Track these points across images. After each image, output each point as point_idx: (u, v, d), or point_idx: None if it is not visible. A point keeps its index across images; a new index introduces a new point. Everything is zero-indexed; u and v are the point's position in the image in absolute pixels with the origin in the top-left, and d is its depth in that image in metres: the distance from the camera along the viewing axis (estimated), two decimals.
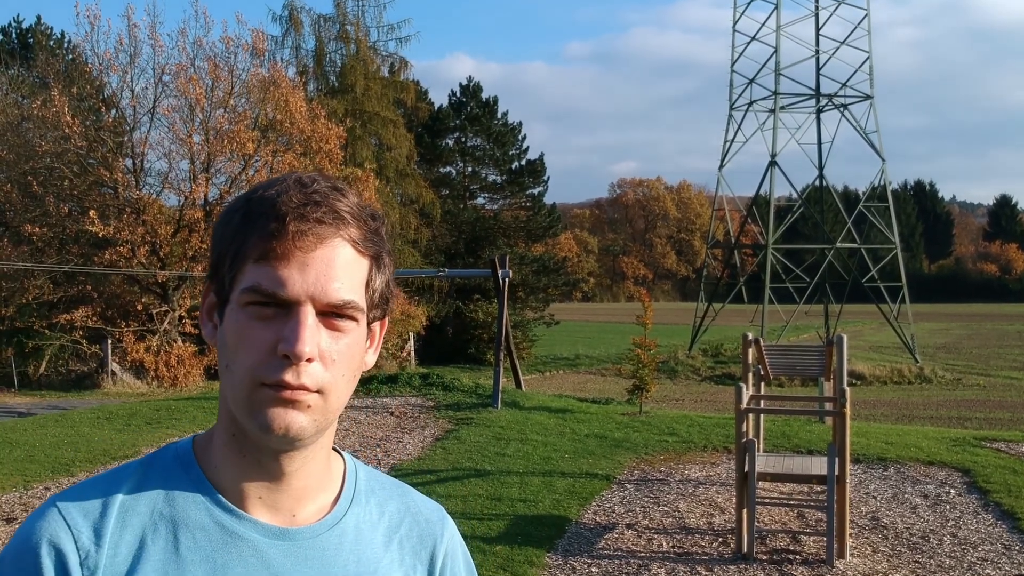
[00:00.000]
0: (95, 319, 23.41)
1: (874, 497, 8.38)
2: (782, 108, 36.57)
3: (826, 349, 9.67)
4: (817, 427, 11.46)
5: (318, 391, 0.97)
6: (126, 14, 24.09)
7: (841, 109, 37.06)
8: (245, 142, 23.47)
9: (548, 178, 42.96)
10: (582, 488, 8.65)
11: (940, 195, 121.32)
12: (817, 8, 37.61)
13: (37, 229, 22.73)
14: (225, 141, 23.60)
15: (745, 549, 6.63)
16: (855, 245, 38.32)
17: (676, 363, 32.91)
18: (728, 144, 38.58)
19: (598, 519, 7.64)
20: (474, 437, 11.15)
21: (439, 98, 67.99)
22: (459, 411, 13.07)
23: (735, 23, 37.97)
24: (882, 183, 38.11)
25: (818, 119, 37.91)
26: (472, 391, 14.85)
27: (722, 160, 39.05)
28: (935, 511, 7.87)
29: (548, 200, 44.74)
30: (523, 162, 42.52)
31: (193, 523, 1.00)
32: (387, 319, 1.10)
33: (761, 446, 8.88)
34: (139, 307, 23.89)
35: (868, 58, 36.32)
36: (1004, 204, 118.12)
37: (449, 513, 1.21)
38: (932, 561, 6.58)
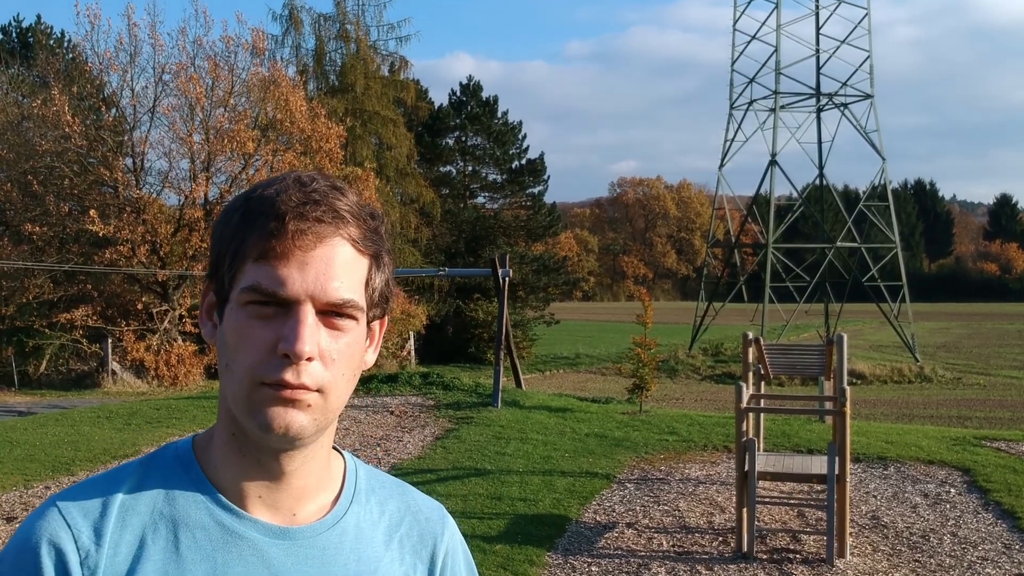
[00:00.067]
0: (95, 318, 23.41)
1: (874, 496, 8.38)
2: (782, 107, 36.57)
3: (826, 348, 9.67)
4: (817, 426, 11.46)
5: (318, 390, 0.97)
6: (126, 13, 24.12)
7: (841, 108, 37.05)
8: (245, 141, 23.47)
9: (548, 177, 43.00)
10: (582, 487, 8.65)
11: (940, 194, 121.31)
12: (817, 7, 37.61)
13: (37, 228, 22.73)
14: (225, 140, 23.61)
15: (745, 548, 6.63)
16: (855, 244, 38.33)
17: (676, 362, 32.91)
18: (728, 143, 38.60)
19: (598, 518, 7.64)
20: (474, 436, 11.15)
21: (439, 97, 68.06)
22: (459, 410, 13.07)
23: (735, 22, 37.98)
24: (882, 182, 38.12)
25: (818, 118, 37.91)
26: (472, 390, 14.85)
27: (722, 159, 39.07)
28: (935, 510, 7.87)
29: (548, 199, 44.78)
30: (523, 161, 42.51)
31: (193, 522, 1.00)
32: (387, 318, 1.10)
33: (761, 445, 8.88)
34: (139, 306, 23.90)
35: (868, 57, 36.32)
36: (1004, 203, 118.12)
37: (449, 512, 1.21)
38: (932, 560, 6.58)
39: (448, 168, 42.75)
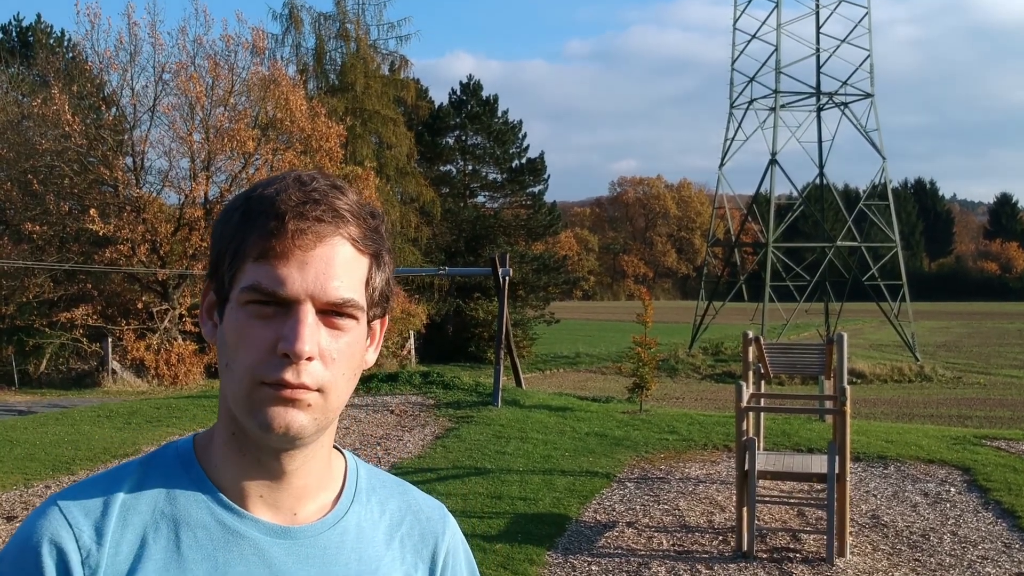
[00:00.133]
0: (95, 317, 23.40)
1: (874, 495, 8.38)
2: (782, 106, 36.55)
3: (826, 347, 9.67)
4: (817, 425, 11.46)
5: (318, 390, 0.97)
6: (126, 12, 24.10)
7: (841, 107, 37.04)
8: (245, 140, 23.46)
9: (548, 176, 42.97)
10: (582, 486, 8.65)
11: (940, 193, 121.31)
12: (818, 6, 37.59)
13: (37, 227, 22.73)
14: (225, 139, 23.60)
15: (745, 547, 6.63)
16: (855, 243, 38.32)
17: (676, 361, 32.90)
18: (728, 142, 38.58)
19: (598, 517, 7.64)
20: (474, 435, 11.15)
21: (439, 96, 68.13)
22: (459, 409, 13.07)
23: (735, 21, 37.96)
24: (882, 181, 38.11)
25: (818, 117, 37.90)
26: (472, 389, 14.85)
27: (722, 158, 39.05)
28: (935, 509, 7.87)
29: (548, 198, 44.75)
30: (523, 160, 42.50)
31: (194, 522, 1.00)
32: (387, 317, 1.10)
33: (761, 444, 8.88)
34: (139, 305, 23.89)
35: (868, 56, 36.30)
36: (1004, 202, 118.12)
37: (449, 511, 1.21)
38: (932, 559, 6.58)
39: (448, 167, 42.74)
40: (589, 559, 6.55)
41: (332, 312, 0.98)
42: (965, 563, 6.49)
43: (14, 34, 39.12)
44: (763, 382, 9.64)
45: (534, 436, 11.08)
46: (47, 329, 23.36)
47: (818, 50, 37.06)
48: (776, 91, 36.12)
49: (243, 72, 25.06)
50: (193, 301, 24.54)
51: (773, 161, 36.28)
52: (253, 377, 0.96)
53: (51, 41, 36.56)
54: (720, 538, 7.08)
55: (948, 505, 8.00)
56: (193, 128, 23.90)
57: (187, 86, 23.56)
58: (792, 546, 6.90)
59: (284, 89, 24.58)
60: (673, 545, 6.91)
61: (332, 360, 0.98)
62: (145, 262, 23.47)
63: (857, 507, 7.85)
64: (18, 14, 50.04)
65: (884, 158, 37.01)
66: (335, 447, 1.12)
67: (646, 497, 8.30)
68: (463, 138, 41.93)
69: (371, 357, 1.07)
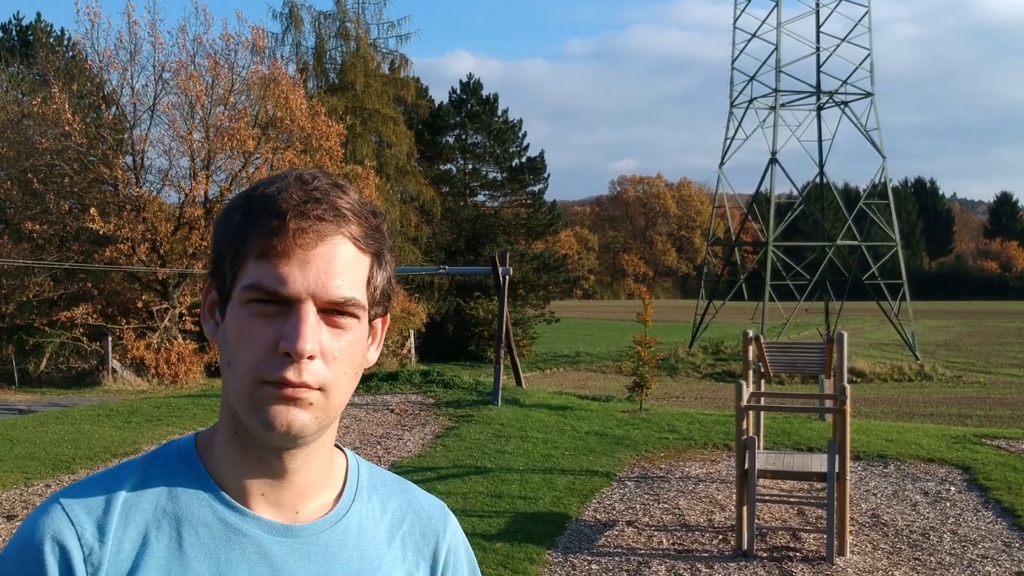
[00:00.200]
0: (95, 316, 23.39)
1: (874, 494, 8.38)
2: (782, 105, 36.54)
3: (826, 346, 9.67)
4: (817, 424, 11.47)
5: (320, 388, 0.98)
6: (126, 11, 24.06)
7: (842, 106, 37.04)
8: (245, 139, 23.45)
9: (548, 175, 42.93)
10: (582, 485, 8.66)
11: (941, 192, 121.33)
12: (818, 5, 37.58)
13: (37, 226, 22.71)
14: (225, 138, 23.58)
15: (745, 546, 6.63)
16: (855, 242, 38.32)
17: (676, 360, 32.90)
18: (728, 141, 38.57)
19: (598, 516, 7.65)
20: (474, 434, 11.15)
21: (439, 95, 67.98)
22: (459, 408, 13.08)
23: (735, 20, 37.95)
24: (883, 180, 38.10)
25: (819, 116, 37.90)
26: (472, 388, 14.85)
27: (722, 157, 39.04)
28: (935, 508, 7.88)
29: (548, 197, 44.71)
30: (523, 159, 42.47)
31: (196, 520, 1.00)
32: (388, 316, 1.10)
33: (761, 443, 8.89)
34: (139, 304, 23.89)
35: (869, 55, 36.29)
36: (1005, 201, 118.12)
37: (450, 510, 1.21)
38: (932, 558, 6.58)
39: (448, 166, 42.72)
40: (589, 558, 6.56)
41: (333, 311, 0.98)
42: (965, 562, 6.49)
43: (14, 33, 39.11)
44: (763, 381, 9.64)
45: (534, 435, 11.08)
46: (47, 328, 23.36)
47: (818, 49, 37.05)
48: (776, 90, 36.12)
49: (243, 71, 25.06)
50: (193, 300, 24.53)
51: (773, 160, 36.27)
52: (255, 376, 0.96)
53: (51, 40, 36.54)
54: (720, 537, 7.09)
55: (948, 504, 8.01)
56: (193, 127, 23.88)
57: (187, 85, 23.55)
58: (792, 545, 6.90)
59: (284, 88, 24.56)
60: (673, 544, 6.91)
61: (334, 359, 0.98)
62: (145, 261, 23.46)
63: (857, 506, 7.86)
64: (18, 13, 50.06)
65: (884, 157, 37.01)
66: (336, 445, 1.12)
67: (646, 496, 8.31)
68: (463, 137, 41.91)
69: (372, 356, 1.08)
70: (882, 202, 38.52)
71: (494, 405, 13.23)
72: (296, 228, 0.97)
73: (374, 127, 33.82)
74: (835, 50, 36.69)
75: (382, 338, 1.10)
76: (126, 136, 24.55)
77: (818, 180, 39.98)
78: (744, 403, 7.12)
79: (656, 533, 7.17)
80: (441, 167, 42.19)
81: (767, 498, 7.51)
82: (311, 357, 0.96)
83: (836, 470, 6.68)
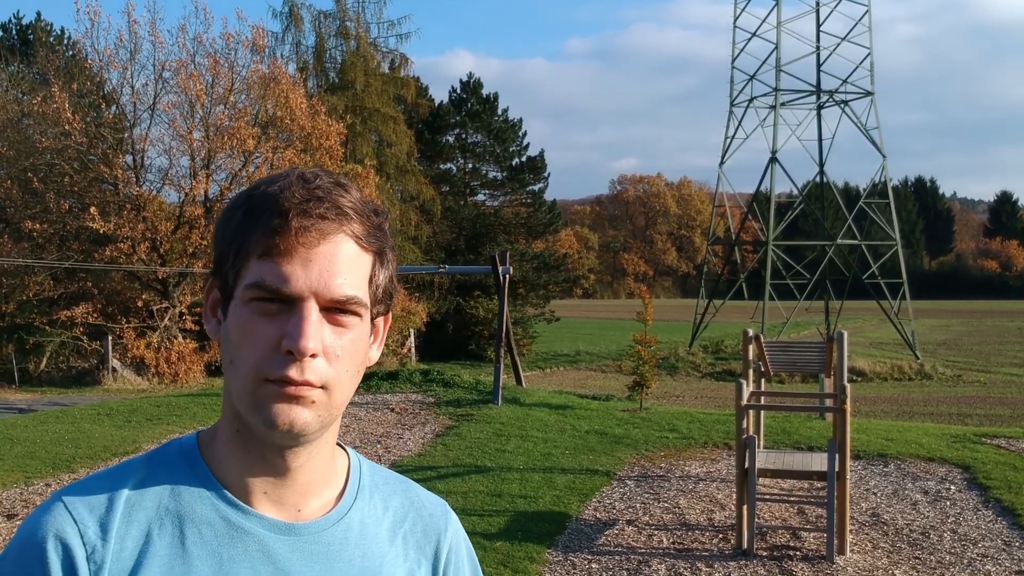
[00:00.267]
0: (96, 315, 23.38)
1: (874, 493, 8.38)
2: (783, 104, 36.53)
3: (826, 345, 9.68)
4: (817, 423, 11.47)
5: (322, 387, 0.98)
6: (126, 10, 24.03)
7: (842, 105, 37.01)
8: (245, 138, 23.43)
9: (548, 175, 42.92)
10: (582, 484, 8.66)
11: (941, 191, 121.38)
12: (818, 4, 37.57)
13: (37, 225, 22.70)
14: (225, 137, 23.57)
15: (745, 545, 6.64)
16: (856, 241, 38.30)
17: (676, 359, 32.90)
18: (729, 140, 38.55)
19: (598, 515, 7.65)
20: (474, 433, 11.16)
21: (439, 94, 68.04)
22: (459, 407, 13.08)
23: (736, 19, 37.93)
24: (883, 179, 38.09)
25: (819, 115, 37.89)
26: (472, 387, 14.86)
27: (723, 156, 39.02)
28: (935, 507, 7.88)
29: (549, 196, 44.71)
30: (523, 159, 42.46)
31: (199, 518, 1.00)
32: (390, 315, 1.10)
33: (761, 442, 8.89)
34: (139, 303, 23.87)
35: (869, 54, 36.27)
36: (1005, 201, 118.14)
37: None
38: (932, 557, 6.58)
39: (448, 165, 42.71)
40: (589, 557, 6.56)
41: (336, 309, 0.99)
42: (965, 561, 6.50)
43: (14, 32, 39.10)
44: (763, 380, 9.65)
45: (534, 434, 11.09)
46: (47, 327, 23.35)
47: (818, 48, 37.04)
48: (776, 89, 36.10)
49: (243, 70, 25.04)
50: (193, 299, 24.52)
51: (773, 159, 36.26)
52: (257, 374, 0.96)
53: (51, 39, 36.52)
54: (720, 536, 7.09)
55: (948, 503, 8.01)
56: (193, 126, 23.87)
57: (187, 84, 23.54)
58: (792, 544, 6.91)
59: (284, 87, 24.55)
60: (673, 543, 6.92)
61: (336, 357, 0.99)
62: (145, 260, 23.45)
63: (857, 505, 7.86)
64: (18, 12, 50.09)
65: (884, 156, 37.00)
66: (338, 444, 1.12)
67: (646, 495, 8.31)
68: (463, 136, 41.90)
69: (374, 354, 1.08)
70: (882, 201, 38.51)
71: (494, 404, 13.24)
72: (299, 226, 0.97)
73: (374, 126, 33.82)
74: (835, 49, 36.68)
75: (384, 336, 1.10)
76: (126, 135, 24.54)
77: (818, 179, 39.98)
78: (744, 402, 7.12)
79: (656, 532, 7.18)
80: (441, 166, 42.19)
81: (767, 497, 7.51)
82: (313, 355, 0.96)
83: (836, 469, 6.68)
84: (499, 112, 41.73)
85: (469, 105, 41.34)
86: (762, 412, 9.49)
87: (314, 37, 35.07)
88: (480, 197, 43.39)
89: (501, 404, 13.24)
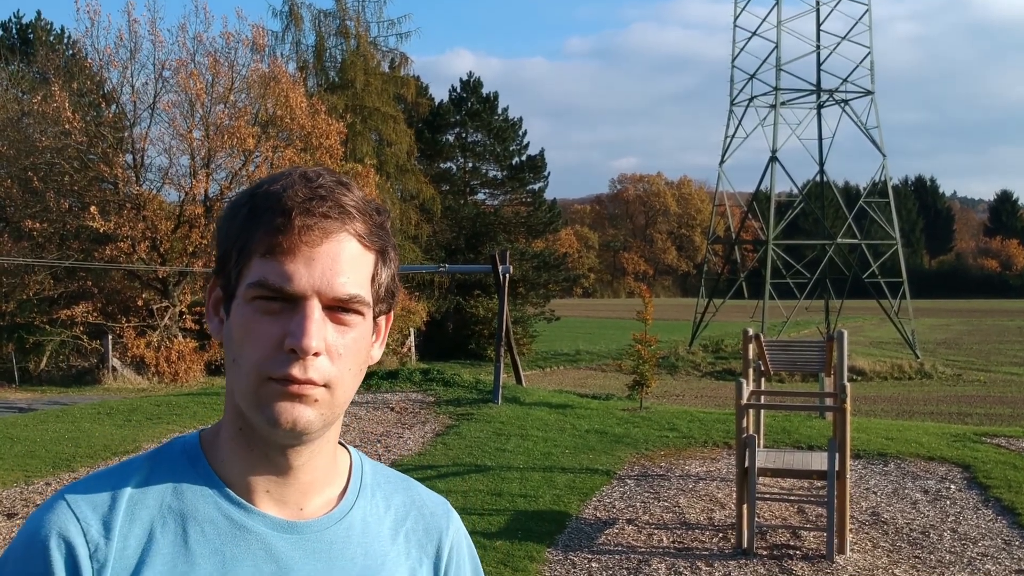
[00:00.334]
0: (96, 315, 23.38)
1: (874, 493, 8.38)
2: (783, 104, 36.52)
3: (826, 345, 9.68)
4: (817, 423, 11.47)
5: (325, 385, 0.98)
6: (126, 10, 24.04)
7: (842, 105, 37.01)
8: (245, 138, 23.44)
9: (548, 174, 42.93)
10: (582, 483, 8.66)
11: (941, 191, 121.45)
12: (818, 3, 37.56)
13: (37, 225, 22.70)
14: (225, 137, 23.57)
15: (745, 544, 6.64)
16: (856, 241, 38.30)
17: (676, 359, 32.91)
18: (729, 140, 38.55)
19: (598, 514, 7.65)
20: (474, 433, 11.16)
21: (439, 94, 68.05)
22: (459, 407, 13.08)
23: (736, 18, 37.92)
24: (883, 179, 38.09)
25: (819, 115, 37.89)
26: (472, 387, 14.86)
27: (723, 156, 39.01)
28: (935, 507, 7.88)
29: (548, 196, 44.71)
30: (523, 158, 42.46)
31: (202, 516, 1.00)
32: (392, 313, 1.11)
33: (761, 442, 8.89)
34: (139, 303, 23.88)
35: (869, 54, 36.26)
36: (1005, 200, 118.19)
37: None
38: (932, 556, 6.59)
39: (448, 164, 42.71)
40: (589, 556, 6.56)
41: (338, 308, 0.99)
42: (965, 560, 6.50)
43: (14, 31, 39.10)
44: (763, 379, 9.65)
45: (534, 433, 11.09)
46: (47, 326, 23.35)
47: (818, 47, 37.03)
48: (776, 88, 36.09)
49: (243, 69, 25.04)
50: (193, 298, 24.53)
51: (773, 158, 36.26)
52: (260, 373, 0.97)
53: (51, 38, 36.51)
54: (720, 535, 7.09)
55: (948, 502, 8.01)
56: (193, 125, 23.87)
57: (187, 83, 23.54)
58: (792, 543, 6.91)
59: (284, 86, 24.55)
60: (673, 542, 6.92)
61: (339, 356, 0.99)
62: (145, 259, 23.45)
63: (857, 504, 7.86)
64: (18, 11, 50.07)
65: (884, 155, 37.00)
66: (340, 443, 1.12)
67: (646, 494, 8.31)
68: (463, 135, 41.90)
69: (376, 353, 1.08)
70: (882, 200, 38.51)
71: (494, 403, 13.24)
72: (301, 225, 0.97)
73: (374, 125, 33.82)
74: (835, 48, 36.67)
75: (386, 335, 1.10)
76: (126, 134, 24.54)
77: (818, 178, 39.98)
78: (744, 401, 7.12)
79: (656, 531, 7.18)
80: (441, 165, 42.19)
81: (767, 496, 7.52)
82: (316, 354, 0.96)
83: (836, 468, 6.68)
84: (499, 111, 41.73)
85: (469, 104, 41.34)
86: (762, 411, 9.49)
87: (314, 36, 35.10)
88: (480, 196, 43.40)
89: (501, 403, 13.24)
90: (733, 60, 37.91)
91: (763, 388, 9.60)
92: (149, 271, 23.73)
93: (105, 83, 25.02)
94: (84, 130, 22.65)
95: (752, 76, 36.92)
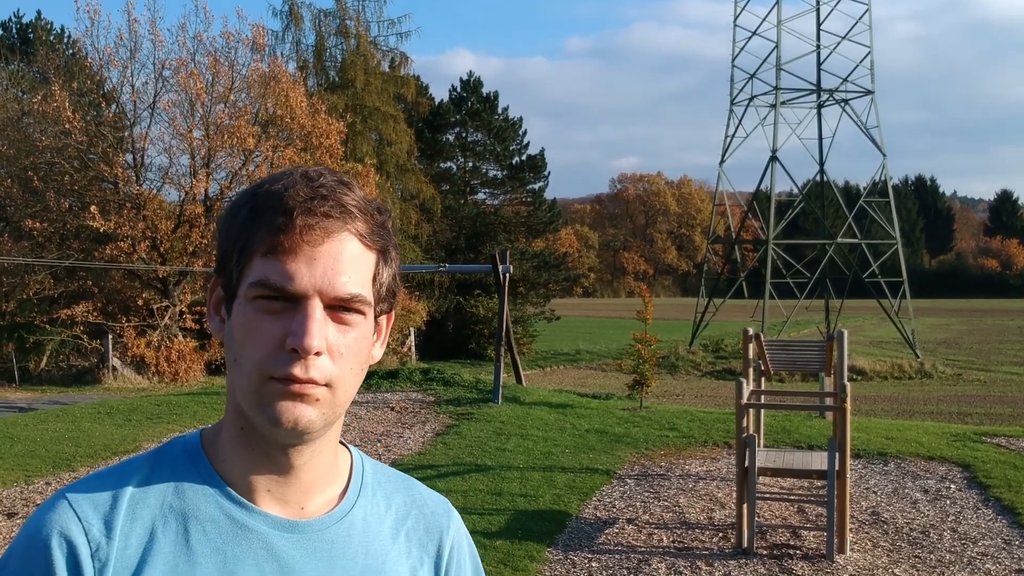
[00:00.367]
0: (96, 314, 23.38)
1: (874, 492, 8.39)
2: (783, 103, 36.51)
3: (827, 344, 9.68)
4: (817, 422, 11.48)
5: (326, 384, 0.98)
6: (126, 9, 24.03)
7: (842, 104, 36.99)
8: (245, 137, 23.44)
9: (549, 173, 42.93)
10: (582, 483, 8.66)
11: (941, 190, 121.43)
12: (818, 3, 37.54)
13: (38, 224, 22.70)
14: (225, 136, 23.57)
15: (745, 544, 6.64)
16: (856, 240, 38.30)
17: (676, 358, 32.90)
18: (729, 139, 38.53)
19: (598, 514, 7.65)
20: (475, 432, 11.16)
21: (439, 93, 68.00)
22: (460, 406, 13.08)
23: (736, 18, 37.91)
24: (883, 178, 38.08)
25: (819, 114, 37.87)
26: (472, 386, 14.86)
27: (723, 155, 39.00)
28: (935, 506, 7.88)
29: (549, 195, 44.71)
30: (524, 157, 42.46)
31: (203, 515, 1.00)
32: (393, 313, 1.11)
33: (761, 441, 8.89)
34: (140, 302, 23.88)
35: (869, 53, 36.25)
36: (1005, 199, 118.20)
37: None
38: (932, 556, 6.59)
39: (448, 164, 42.71)
40: (589, 555, 6.56)
41: (340, 307, 0.99)
42: (965, 559, 6.50)
43: (14, 31, 39.10)
44: (763, 379, 9.65)
45: (534, 433, 11.09)
46: (47, 326, 23.35)
47: (818, 47, 37.02)
48: (777, 88, 36.08)
49: (243, 69, 25.04)
50: (193, 298, 24.53)
51: (773, 158, 36.25)
52: (262, 372, 0.97)
53: (51, 38, 36.51)
54: (720, 535, 7.09)
55: (948, 502, 8.01)
56: (193, 125, 23.87)
57: (187, 83, 23.54)
58: (792, 543, 6.91)
59: (284, 86, 24.55)
60: (673, 542, 6.92)
61: (340, 355, 0.99)
62: (145, 259, 23.45)
63: (857, 504, 7.86)
64: (18, 11, 50.06)
65: (884, 155, 36.99)
66: (341, 442, 1.12)
67: (646, 494, 8.31)
68: (463, 135, 41.90)
69: (378, 352, 1.08)
70: (882, 200, 38.50)
71: (494, 403, 13.24)
72: (303, 225, 0.97)
73: (374, 125, 33.83)
74: (835, 48, 36.65)
75: (387, 334, 1.10)
76: (126, 134, 24.54)
77: (818, 178, 39.97)
78: (744, 401, 7.13)
79: (656, 531, 7.18)
80: (441, 165, 42.20)
81: (767, 496, 7.52)
82: (318, 353, 0.97)
83: (836, 468, 6.68)
84: (499, 111, 41.74)
85: (469, 104, 41.34)
86: (762, 411, 9.49)
87: (314, 36, 35.11)
88: (480, 196, 43.41)
89: (501, 403, 13.24)
90: (733, 60, 37.91)
91: (763, 388, 9.60)
92: (149, 271, 23.73)
93: (105, 83, 25.02)
94: (84, 130, 22.65)
95: (752, 76, 36.91)
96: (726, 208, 40.35)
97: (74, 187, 23.74)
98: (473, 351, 34.28)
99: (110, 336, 22.93)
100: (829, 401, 8.77)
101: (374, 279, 1.03)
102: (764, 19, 36.66)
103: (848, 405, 6.96)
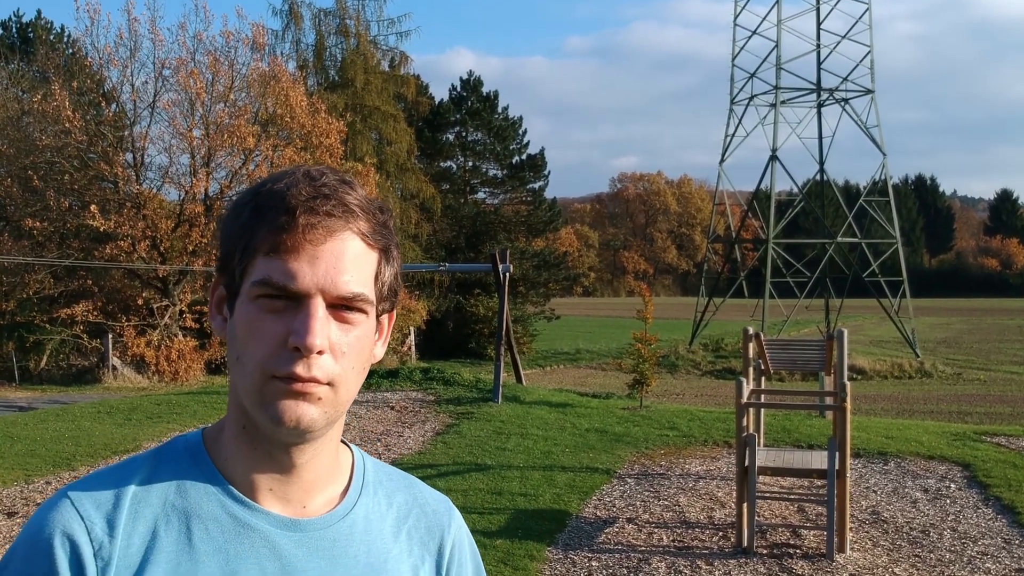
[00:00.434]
0: (96, 314, 23.38)
1: (874, 491, 8.39)
2: (783, 102, 36.50)
3: (827, 343, 9.69)
4: (818, 421, 11.48)
5: (328, 383, 0.98)
6: (126, 8, 24.03)
7: (842, 103, 36.99)
8: (245, 136, 23.43)
9: (549, 172, 42.92)
10: (582, 482, 8.67)
11: (941, 190, 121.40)
12: (818, 2, 37.53)
13: (37, 223, 22.70)
14: (225, 135, 23.57)
15: (745, 543, 6.64)
16: (856, 239, 38.29)
17: (676, 357, 32.90)
18: (729, 139, 38.52)
19: (598, 513, 7.66)
20: (475, 431, 11.16)
21: (439, 93, 67.92)
22: (460, 405, 13.09)
23: (736, 17, 37.90)
24: (883, 177, 38.07)
25: (819, 113, 37.88)
26: (473, 385, 14.86)
27: (723, 155, 39.00)
28: (935, 505, 7.89)
29: (549, 195, 44.72)
30: (523, 156, 42.46)
31: (205, 514, 1.01)
32: (395, 312, 1.11)
33: (761, 440, 8.90)
34: (140, 302, 23.88)
35: (869, 52, 36.25)
36: (1005, 199, 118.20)
37: None
38: (932, 555, 6.59)
39: (448, 163, 42.71)
40: (589, 555, 6.56)
41: (342, 306, 0.99)
42: (965, 559, 6.50)
43: (14, 30, 39.10)
44: (763, 378, 9.65)
45: (534, 432, 11.09)
46: (47, 325, 23.35)
47: (819, 46, 37.02)
48: (777, 87, 36.07)
49: (243, 68, 25.04)
50: (193, 297, 24.53)
51: (773, 157, 36.25)
52: (264, 371, 0.97)
53: (51, 37, 36.50)
54: (720, 534, 7.09)
55: (948, 501, 8.02)
56: (193, 124, 23.87)
57: (187, 82, 23.54)
58: (792, 542, 6.91)
59: (284, 85, 24.55)
60: (673, 541, 6.92)
61: (342, 354, 0.99)
62: (145, 258, 23.45)
63: (857, 503, 7.86)
64: (18, 10, 50.03)
65: (884, 154, 36.98)
66: (342, 441, 1.13)
67: (646, 493, 8.31)
68: (463, 134, 41.89)
69: (379, 351, 1.08)
70: (882, 199, 38.50)
71: (494, 402, 13.24)
72: (305, 224, 0.97)
73: (374, 124, 33.82)
74: (835, 47, 36.64)
75: (389, 333, 1.11)
76: (126, 133, 24.54)
77: (818, 177, 39.99)
78: (744, 400, 7.13)
79: (656, 530, 7.18)
80: (441, 164, 42.19)
81: (767, 495, 7.52)
82: (320, 352, 0.97)
83: (836, 467, 6.68)
84: (499, 110, 41.73)
85: (469, 103, 41.34)
86: (762, 410, 9.49)
87: (314, 35, 35.11)
88: (480, 195, 43.40)
89: (501, 402, 13.24)
90: (733, 59, 37.90)
91: (763, 387, 9.60)
92: (149, 270, 23.73)
93: (105, 82, 25.02)
94: (84, 129, 22.65)
95: (752, 75, 36.90)
96: (726, 207, 40.34)
97: (74, 186, 23.74)
98: (473, 350, 34.28)
99: (110, 335, 22.92)
100: (829, 400, 8.77)
101: (376, 278, 1.03)
102: (764, 18, 36.67)
103: (848, 404, 6.97)
